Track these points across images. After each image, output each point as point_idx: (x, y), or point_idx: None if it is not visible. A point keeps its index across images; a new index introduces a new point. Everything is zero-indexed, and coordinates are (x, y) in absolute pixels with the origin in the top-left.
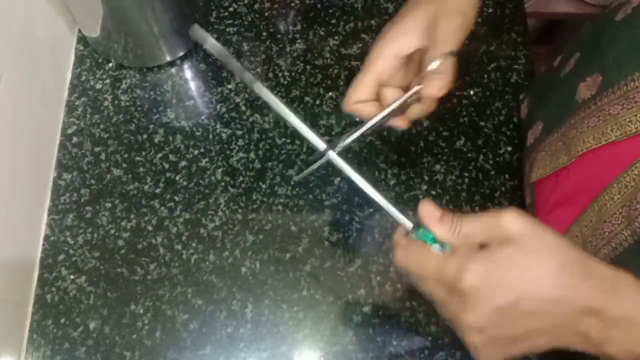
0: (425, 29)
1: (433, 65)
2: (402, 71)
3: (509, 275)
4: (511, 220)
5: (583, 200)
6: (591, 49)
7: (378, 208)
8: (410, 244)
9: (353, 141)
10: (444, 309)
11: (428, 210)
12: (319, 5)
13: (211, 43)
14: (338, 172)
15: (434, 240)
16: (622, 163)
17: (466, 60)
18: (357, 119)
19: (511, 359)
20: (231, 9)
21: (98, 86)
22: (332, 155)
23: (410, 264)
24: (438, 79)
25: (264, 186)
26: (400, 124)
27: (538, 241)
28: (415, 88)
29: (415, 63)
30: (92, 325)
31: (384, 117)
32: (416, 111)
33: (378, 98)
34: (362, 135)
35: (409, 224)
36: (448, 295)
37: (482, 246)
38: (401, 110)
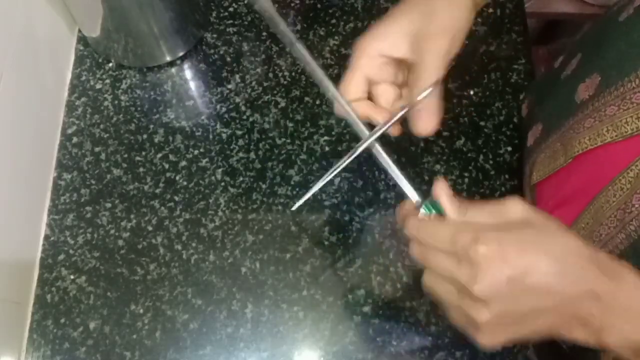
0: (411, 42)
1: (421, 96)
2: (390, 68)
3: (519, 247)
4: (515, 207)
5: (580, 202)
6: (592, 50)
7: (380, 208)
8: (423, 217)
9: (350, 134)
10: (449, 286)
11: (443, 186)
12: (319, 5)
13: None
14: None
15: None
16: (618, 165)
17: (466, 60)
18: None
19: (510, 343)
20: (231, 9)
21: (98, 86)
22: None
23: (422, 233)
24: (426, 119)
25: (264, 186)
26: (394, 132)
27: (545, 223)
28: (400, 114)
29: (404, 64)
30: (92, 325)
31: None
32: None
33: (370, 97)
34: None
35: (417, 198)
36: (458, 265)
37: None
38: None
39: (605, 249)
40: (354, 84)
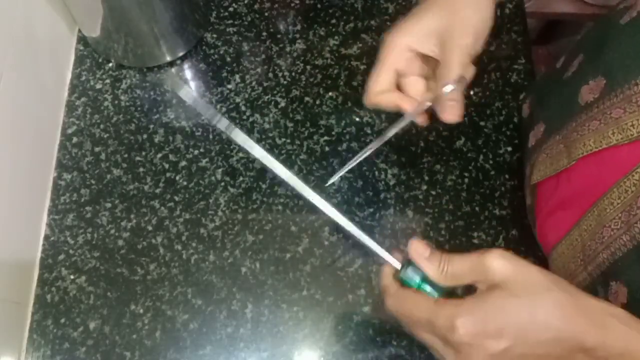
0: (437, 39)
1: (447, 89)
2: (418, 63)
3: (499, 322)
4: (495, 263)
5: (583, 204)
6: (595, 52)
7: (380, 208)
8: (400, 291)
9: (350, 134)
10: (438, 356)
11: (417, 248)
12: (319, 5)
13: (185, 92)
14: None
15: (423, 279)
16: (623, 167)
17: None
18: (356, 119)
19: None
20: (231, 9)
21: (98, 86)
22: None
23: (400, 313)
24: (454, 107)
25: (264, 186)
26: (420, 120)
27: (525, 283)
28: (424, 106)
29: (431, 59)
30: (92, 325)
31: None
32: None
33: (399, 89)
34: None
35: (397, 264)
36: (441, 344)
37: (470, 287)
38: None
39: (607, 250)
40: (383, 76)
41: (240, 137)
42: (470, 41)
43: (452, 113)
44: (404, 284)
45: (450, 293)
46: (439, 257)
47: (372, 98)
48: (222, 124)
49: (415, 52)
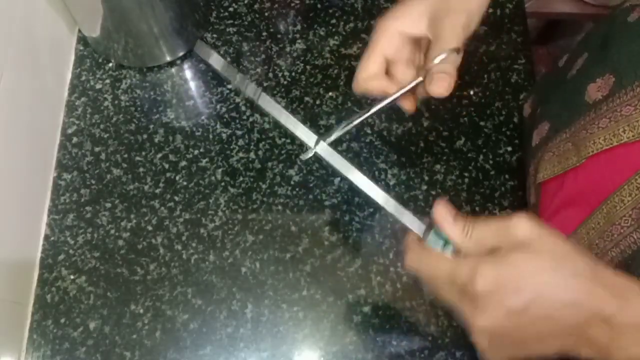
0: (429, 20)
1: (437, 59)
2: (409, 48)
3: (520, 278)
4: (521, 225)
5: (591, 202)
6: (601, 50)
7: (380, 208)
8: (423, 250)
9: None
10: (456, 311)
11: (442, 211)
12: (319, 5)
13: (215, 58)
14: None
15: (447, 242)
16: (634, 165)
17: (466, 60)
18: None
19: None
20: (231, 9)
21: (98, 86)
22: (323, 147)
23: (421, 267)
24: (443, 79)
25: (264, 186)
26: (408, 107)
27: (549, 245)
28: (416, 81)
29: (423, 44)
30: (92, 325)
31: (385, 104)
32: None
33: (388, 75)
34: (361, 122)
35: (421, 227)
36: (460, 298)
37: (493, 250)
38: (411, 92)
39: (617, 248)
40: (372, 61)
41: (269, 104)
42: (463, 19)
43: (440, 85)
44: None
45: None
46: (464, 221)
47: (361, 83)
48: (250, 90)
49: (406, 36)
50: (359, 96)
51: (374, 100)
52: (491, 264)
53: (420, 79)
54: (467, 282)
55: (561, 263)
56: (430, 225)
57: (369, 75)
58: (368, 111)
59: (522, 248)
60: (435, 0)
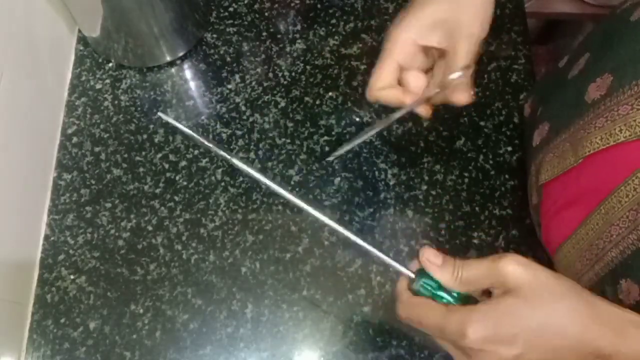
0: (442, 31)
1: (454, 76)
2: (420, 57)
3: (512, 327)
4: (509, 268)
5: (590, 203)
6: (602, 49)
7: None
8: (412, 300)
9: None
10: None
11: (429, 256)
12: (319, 5)
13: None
14: (338, 172)
15: (439, 287)
16: (631, 164)
17: None
18: (356, 119)
19: None
20: (231, 9)
21: (98, 86)
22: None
23: (412, 317)
24: (464, 89)
25: (264, 186)
26: (424, 113)
27: (539, 289)
28: (432, 92)
29: (434, 50)
30: (92, 325)
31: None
32: (440, 98)
33: (400, 83)
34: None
35: (410, 274)
36: (452, 348)
37: (487, 291)
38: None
39: (616, 249)
40: (386, 72)
41: (241, 163)
42: (478, 29)
43: (462, 95)
44: (418, 293)
45: (467, 297)
46: (452, 264)
47: (375, 93)
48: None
49: (419, 45)
50: (373, 104)
51: (384, 108)
52: (482, 316)
53: (437, 90)
54: (458, 336)
55: (555, 304)
56: (421, 270)
57: (383, 85)
58: (387, 121)
59: (514, 292)
60: (448, 7)
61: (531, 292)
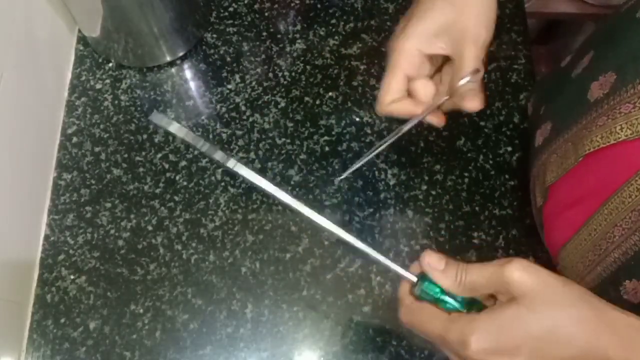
0: (447, 38)
1: (463, 82)
2: (427, 65)
3: (515, 338)
4: (515, 275)
5: (593, 203)
6: (607, 47)
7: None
8: (414, 305)
9: (350, 134)
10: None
11: (431, 261)
12: (319, 5)
13: (176, 127)
14: (338, 172)
15: (442, 291)
16: (634, 165)
17: None
18: (356, 119)
19: None
20: (231, 9)
21: (98, 86)
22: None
23: (414, 323)
24: (475, 95)
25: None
26: (437, 122)
27: (546, 298)
28: (442, 100)
29: (438, 56)
30: (92, 325)
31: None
32: (451, 105)
33: (409, 93)
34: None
35: (412, 278)
36: (454, 357)
37: (491, 296)
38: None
39: (619, 250)
40: (394, 85)
41: (242, 169)
42: (483, 32)
43: (474, 101)
44: (421, 297)
45: (472, 301)
46: (455, 268)
47: (385, 107)
48: (219, 155)
49: (424, 54)
50: (384, 116)
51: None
52: (484, 325)
53: (447, 97)
54: (460, 348)
55: (562, 312)
56: (423, 274)
57: (393, 99)
58: (399, 133)
59: (519, 300)
60: (451, 12)
61: (537, 299)
